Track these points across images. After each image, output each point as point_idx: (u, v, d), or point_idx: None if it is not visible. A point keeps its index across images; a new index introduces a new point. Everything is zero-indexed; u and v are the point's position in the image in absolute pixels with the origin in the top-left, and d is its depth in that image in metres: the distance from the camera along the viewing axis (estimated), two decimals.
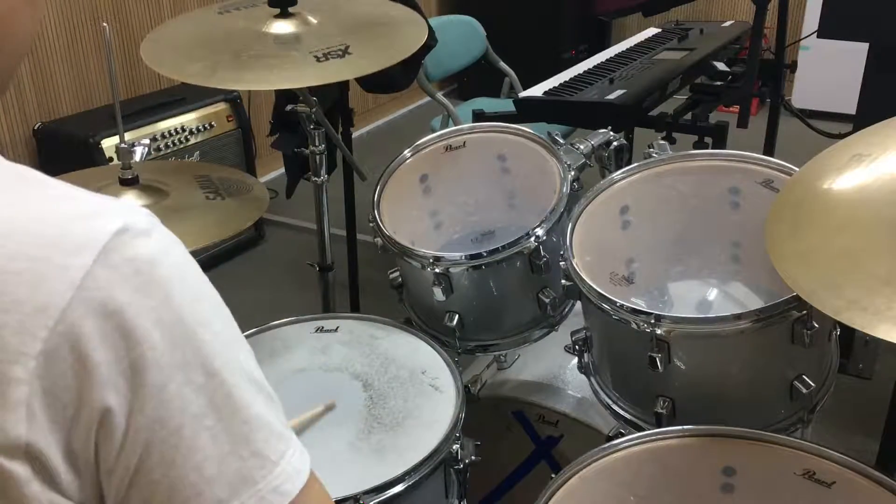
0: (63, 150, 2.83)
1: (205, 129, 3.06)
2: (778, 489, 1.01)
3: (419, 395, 1.27)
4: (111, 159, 2.68)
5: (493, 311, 1.42)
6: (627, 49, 2.62)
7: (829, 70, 4.13)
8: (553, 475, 1.02)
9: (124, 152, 1.39)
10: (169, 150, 2.93)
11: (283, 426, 0.56)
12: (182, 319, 0.52)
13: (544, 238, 1.33)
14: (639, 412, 1.22)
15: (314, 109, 1.64)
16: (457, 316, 1.39)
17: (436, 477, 1.17)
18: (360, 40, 1.42)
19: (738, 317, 1.07)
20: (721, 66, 2.46)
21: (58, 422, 0.49)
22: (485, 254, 1.33)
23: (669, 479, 1.05)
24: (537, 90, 2.21)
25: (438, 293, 1.35)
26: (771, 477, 1.02)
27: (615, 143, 1.57)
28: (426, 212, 1.60)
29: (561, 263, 1.24)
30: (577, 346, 1.29)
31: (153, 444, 0.51)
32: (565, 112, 2.16)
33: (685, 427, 1.06)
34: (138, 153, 1.40)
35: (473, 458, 1.24)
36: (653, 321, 1.09)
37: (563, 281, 1.24)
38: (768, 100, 2.70)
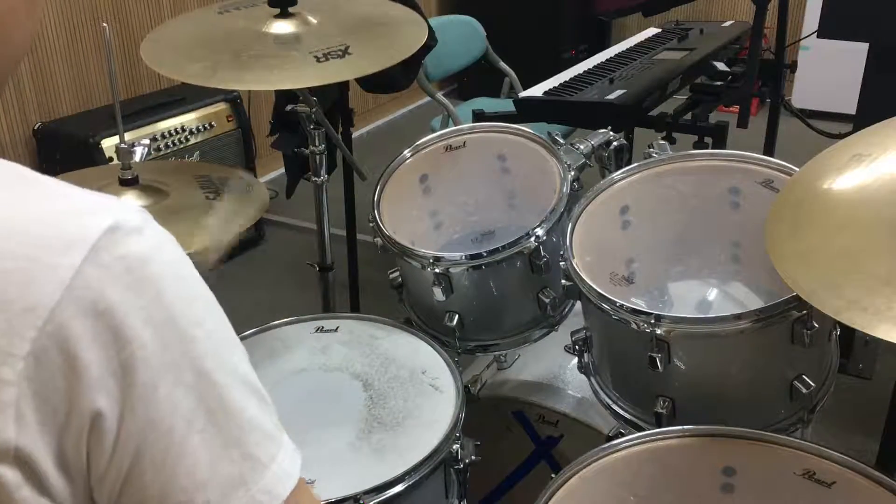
0: (63, 150, 2.83)
1: (205, 129, 3.06)
2: (778, 489, 1.01)
3: (419, 395, 1.27)
4: (111, 159, 2.68)
5: (493, 311, 1.42)
6: (627, 49, 2.62)
7: (829, 70, 4.13)
8: (553, 475, 1.02)
9: (124, 152, 1.39)
10: (169, 150, 2.93)
11: (275, 428, 0.56)
12: (173, 319, 0.51)
13: (544, 238, 1.33)
14: (639, 412, 1.22)
15: (314, 109, 1.64)
16: (457, 316, 1.39)
17: (436, 477, 1.17)
18: (360, 40, 1.42)
19: (738, 317, 1.07)
20: (721, 66, 2.46)
21: (48, 425, 0.48)
22: (485, 254, 1.33)
23: (669, 479, 1.05)
24: (537, 90, 2.21)
25: (438, 293, 1.35)
26: (771, 477, 1.02)
27: (615, 143, 1.57)
28: (426, 212, 1.60)
29: (561, 263, 1.24)
30: (577, 346, 1.29)
31: (144, 447, 0.50)
32: (565, 112, 2.16)
33: (685, 427, 1.06)
34: (138, 153, 1.40)
35: (473, 458, 1.24)
36: (653, 321, 1.09)
37: (563, 281, 1.24)
38: (768, 100, 2.70)
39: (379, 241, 1.42)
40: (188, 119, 3.01)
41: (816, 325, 1.06)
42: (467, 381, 1.51)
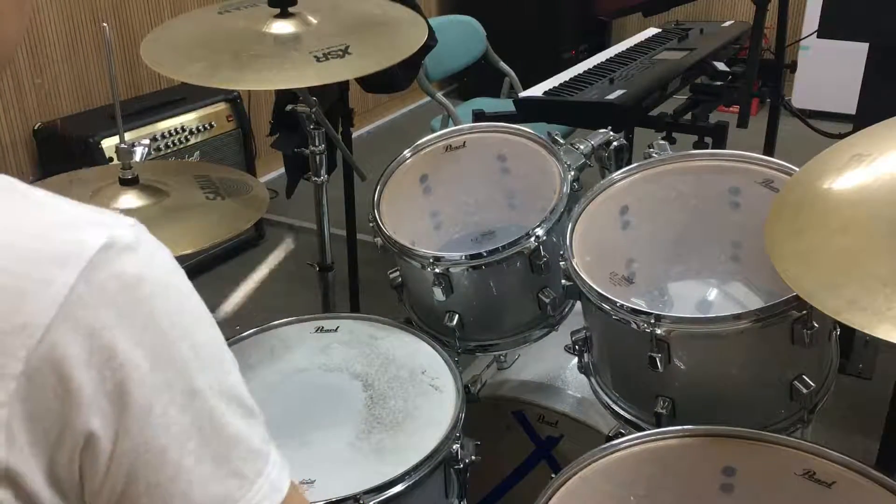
0: (63, 150, 2.83)
1: (205, 129, 3.06)
2: (778, 489, 1.01)
3: (419, 395, 1.27)
4: (111, 159, 2.68)
5: (493, 311, 1.42)
6: (627, 49, 2.62)
7: (829, 70, 4.12)
8: (553, 475, 1.02)
9: (124, 152, 1.39)
10: (169, 150, 2.93)
11: (262, 442, 0.56)
12: (166, 339, 0.50)
13: (544, 238, 1.33)
14: (639, 412, 1.22)
15: (314, 109, 1.64)
16: (457, 316, 1.39)
17: (436, 477, 1.17)
18: (360, 40, 1.42)
19: (737, 317, 1.07)
20: (721, 66, 2.46)
21: (40, 445, 0.47)
22: (485, 254, 1.33)
23: (669, 479, 1.05)
24: (537, 90, 2.21)
25: (438, 293, 1.35)
26: (771, 477, 1.02)
27: (615, 143, 1.57)
28: (426, 212, 1.60)
29: (561, 263, 1.24)
30: (577, 346, 1.29)
31: (139, 468, 0.50)
32: (565, 112, 2.16)
33: (685, 427, 1.06)
34: (138, 153, 1.40)
35: (473, 458, 1.24)
36: (653, 321, 1.09)
37: (563, 281, 1.24)
38: (768, 100, 2.70)
39: (379, 241, 1.42)
40: (188, 119, 3.01)
41: (816, 325, 1.06)
42: (467, 381, 1.51)
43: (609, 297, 1.15)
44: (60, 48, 2.97)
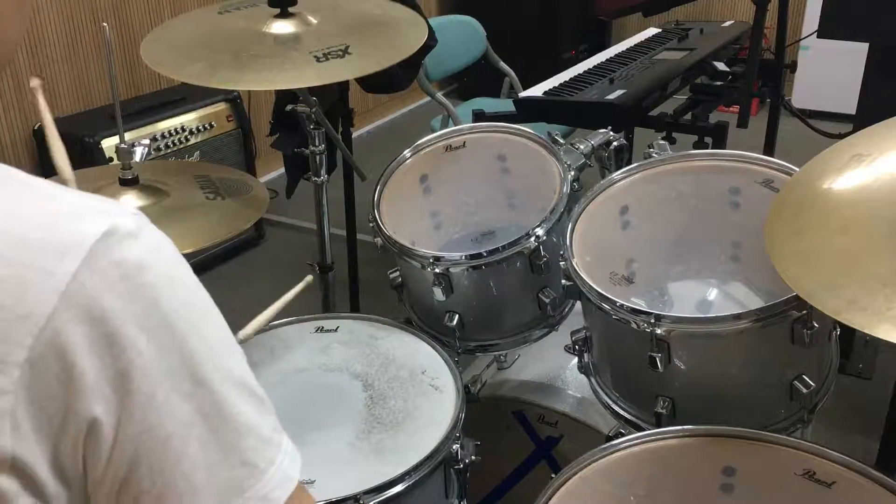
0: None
1: (205, 129, 3.06)
2: (778, 489, 1.01)
3: (419, 395, 1.27)
4: (111, 159, 2.68)
5: (494, 311, 1.42)
6: (627, 49, 2.62)
7: (829, 70, 4.13)
8: (553, 475, 1.02)
9: (124, 152, 1.39)
10: (169, 150, 2.93)
11: (273, 431, 0.55)
12: (170, 325, 0.50)
13: (544, 238, 1.33)
14: (639, 412, 1.22)
15: (314, 109, 1.64)
16: (457, 316, 1.39)
17: (436, 477, 1.17)
18: (360, 40, 1.42)
19: (737, 317, 1.07)
20: (721, 66, 2.46)
21: (44, 432, 0.47)
22: (485, 254, 1.33)
23: (669, 479, 1.05)
24: (537, 90, 2.21)
25: (438, 293, 1.35)
26: (771, 477, 1.02)
27: (615, 143, 1.57)
28: (426, 212, 1.60)
29: (561, 263, 1.24)
30: (577, 346, 1.29)
31: (142, 454, 0.50)
32: (565, 112, 2.16)
33: (685, 427, 1.06)
34: (138, 153, 1.40)
35: (473, 458, 1.24)
36: (653, 321, 1.09)
37: (563, 281, 1.24)
38: (768, 100, 2.70)
39: (379, 241, 1.42)
40: (188, 119, 3.01)
41: (816, 325, 1.06)
42: (467, 381, 1.51)
43: (609, 297, 1.15)
44: (60, 48, 2.97)
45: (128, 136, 2.14)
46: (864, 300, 0.85)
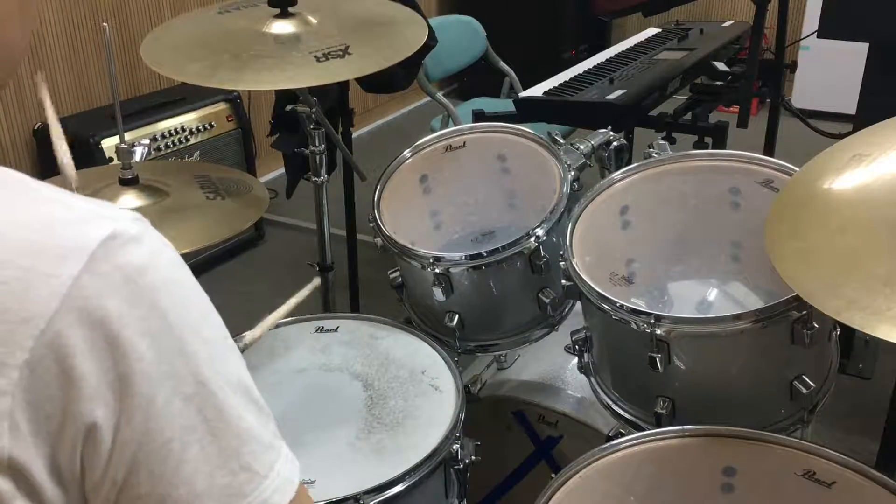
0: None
1: (205, 129, 3.06)
2: (778, 489, 1.01)
3: (419, 395, 1.27)
4: (111, 159, 2.68)
5: (494, 311, 1.42)
6: (627, 49, 2.62)
7: (829, 70, 4.13)
8: (553, 475, 1.02)
9: (124, 152, 1.39)
10: (169, 150, 2.93)
11: (273, 436, 0.55)
12: (171, 330, 0.50)
13: (544, 238, 1.33)
14: (639, 412, 1.22)
15: (314, 109, 1.64)
16: (457, 316, 1.39)
17: (436, 477, 1.17)
18: (360, 40, 1.42)
19: (737, 317, 1.07)
20: (721, 66, 2.46)
21: (42, 435, 0.47)
22: (485, 254, 1.33)
23: (669, 479, 1.05)
24: (537, 90, 2.21)
25: (438, 293, 1.35)
26: (771, 477, 1.02)
27: (615, 143, 1.57)
28: (426, 212, 1.60)
29: (561, 263, 1.24)
30: (577, 346, 1.29)
31: (141, 458, 0.49)
32: (565, 112, 2.16)
33: (685, 427, 1.06)
34: (138, 153, 1.40)
35: (473, 458, 1.24)
36: (653, 321, 1.09)
37: (563, 281, 1.24)
38: (768, 100, 2.70)
39: (379, 241, 1.42)
40: (188, 119, 3.01)
41: (816, 325, 1.06)
42: (467, 381, 1.51)
43: (609, 297, 1.15)
44: (60, 48, 2.97)
45: (128, 136, 2.14)
46: (864, 300, 0.85)
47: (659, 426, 1.14)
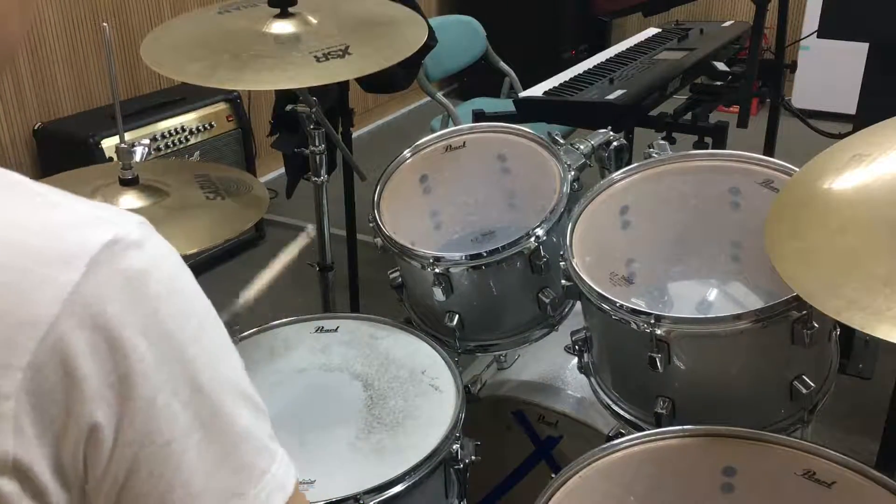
0: (63, 150, 2.83)
1: (205, 129, 3.06)
2: (778, 489, 1.01)
3: (419, 395, 1.27)
4: (111, 159, 2.68)
5: (493, 311, 1.42)
6: (627, 49, 2.62)
7: (829, 70, 4.13)
8: (553, 475, 1.02)
9: (124, 152, 1.39)
10: (169, 150, 2.93)
11: (269, 439, 0.56)
12: (171, 334, 0.51)
13: (544, 238, 1.33)
14: (639, 412, 1.22)
15: (314, 109, 1.64)
16: (457, 316, 1.39)
17: (436, 477, 1.17)
18: (360, 40, 1.42)
19: (737, 317, 1.07)
20: (721, 66, 2.46)
21: (46, 437, 0.48)
22: (485, 254, 1.33)
23: (669, 479, 1.05)
24: (537, 90, 2.21)
25: (438, 293, 1.35)
26: (771, 477, 1.02)
27: (615, 143, 1.57)
28: (426, 212, 1.60)
29: (561, 263, 1.24)
30: (577, 346, 1.29)
31: (141, 459, 0.50)
32: (565, 112, 2.16)
33: (685, 427, 1.06)
34: (138, 153, 1.40)
35: (473, 458, 1.24)
36: (653, 321, 1.09)
37: (563, 281, 1.24)
38: (768, 100, 2.69)
39: (379, 241, 1.42)
40: (188, 119, 3.01)
41: (816, 325, 1.06)
42: (467, 381, 1.51)
43: (609, 297, 1.15)
44: (60, 48, 2.97)
45: (128, 136, 2.14)
46: (864, 300, 0.85)
47: (659, 426, 1.14)
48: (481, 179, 1.59)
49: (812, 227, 1.01)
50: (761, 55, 2.31)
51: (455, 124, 2.51)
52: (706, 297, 1.38)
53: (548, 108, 2.15)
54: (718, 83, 2.43)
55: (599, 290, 1.16)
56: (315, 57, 1.36)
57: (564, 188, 1.38)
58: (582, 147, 1.52)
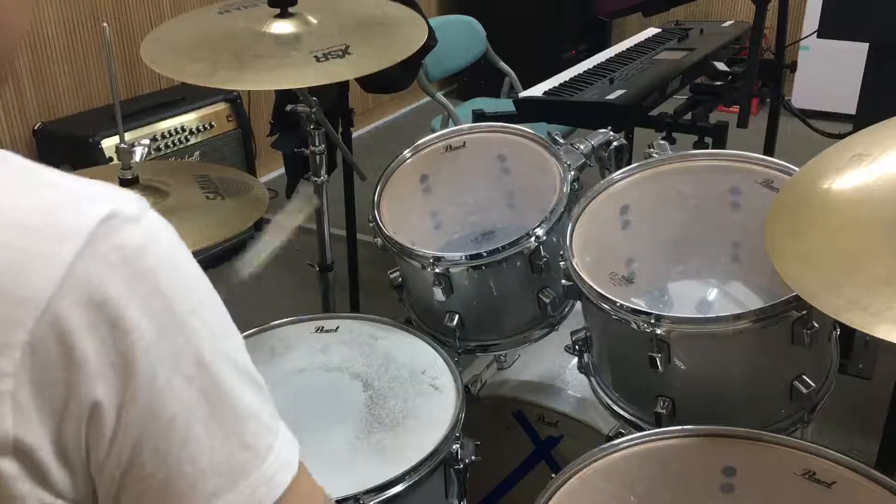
0: (63, 150, 2.83)
1: (205, 129, 3.06)
2: (778, 489, 1.01)
3: (419, 395, 1.27)
4: (111, 159, 2.68)
5: (494, 311, 1.42)
6: (627, 49, 2.62)
7: (829, 70, 4.13)
8: (553, 475, 1.02)
9: (124, 152, 1.39)
10: (169, 150, 2.93)
11: (272, 417, 0.56)
12: (171, 309, 0.50)
13: (544, 238, 1.33)
14: (639, 412, 1.22)
15: (314, 109, 1.64)
16: (457, 316, 1.38)
17: (436, 477, 1.17)
18: (360, 40, 1.42)
19: (737, 317, 1.07)
20: (721, 66, 2.46)
21: (46, 415, 0.47)
22: (485, 254, 1.33)
23: (669, 479, 1.05)
24: (537, 90, 2.21)
25: (438, 293, 1.35)
26: (771, 477, 1.02)
27: (615, 143, 1.57)
28: (426, 212, 1.60)
29: (561, 263, 1.24)
30: (577, 346, 1.29)
31: (145, 437, 0.50)
32: (565, 112, 2.16)
33: (685, 427, 1.06)
34: (138, 153, 1.40)
35: (473, 458, 1.24)
36: (653, 321, 1.09)
37: (563, 281, 1.24)
38: (768, 100, 2.69)
39: (379, 241, 1.42)
40: (188, 119, 3.01)
41: (816, 325, 1.06)
42: (467, 381, 1.51)
43: (609, 297, 1.15)
44: (60, 48, 2.97)
45: (128, 136, 2.14)
46: (864, 300, 0.85)
47: (659, 426, 1.14)
48: (481, 179, 1.59)
49: (812, 227, 1.01)
50: (761, 55, 2.31)
51: (455, 124, 2.51)
52: (706, 297, 1.38)
53: (548, 108, 2.15)
54: (718, 83, 2.43)
55: (599, 290, 1.16)
56: (315, 57, 1.36)
57: (564, 188, 1.38)
58: (582, 147, 1.52)
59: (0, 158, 0.51)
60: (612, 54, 2.55)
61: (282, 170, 3.13)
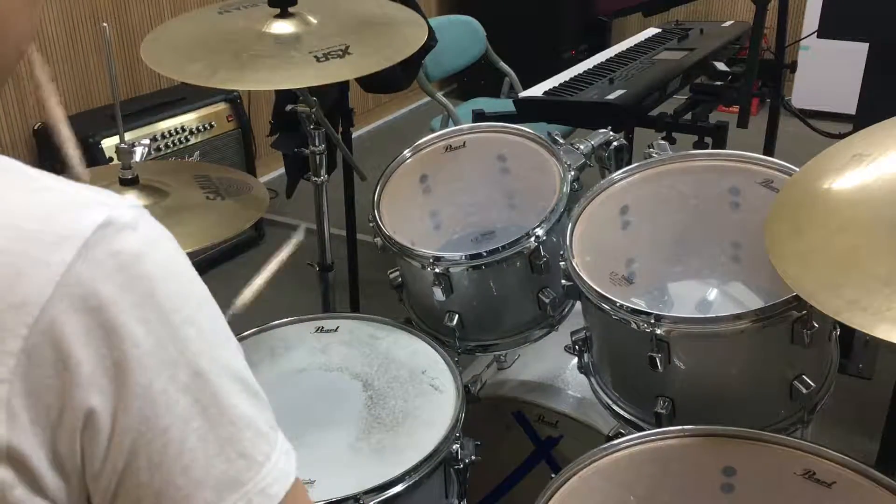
0: (63, 151, 2.82)
1: (205, 129, 3.06)
2: (778, 489, 1.01)
3: (419, 395, 1.27)
4: (111, 159, 2.68)
5: (493, 311, 1.42)
6: (627, 49, 2.62)
7: (829, 70, 4.12)
8: (553, 475, 1.02)
9: (124, 152, 1.39)
10: (169, 150, 2.93)
11: (269, 427, 0.55)
12: (167, 317, 0.50)
13: (544, 238, 1.33)
14: (639, 412, 1.22)
15: (314, 109, 1.64)
16: (457, 316, 1.38)
17: (436, 477, 1.17)
18: (360, 40, 1.42)
19: (737, 317, 1.07)
20: (721, 66, 2.46)
21: (41, 423, 0.47)
22: (485, 254, 1.33)
23: (669, 479, 1.05)
24: (537, 90, 2.21)
25: (438, 293, 1.35)
26: (771, 477, 1.02)
27: (615, 143, 1.57)
28: (426, 212, 1.60)
29: (561, 263, 1.24)
30: (577, 346, 1.29)
31: (140, 446, 0.49)
32: (565, 112, 2.16)
33: (685, 427, 1.06)
34: (138, 153, 1.40)
35: (473, 458, 1.24)
36: (653, 321, 1.09)
37: (563, 281, 1.24)
38: (768, 100, 2.69)
39: (379, 241, 1.42)
40: (188, 119, 3.01)
41: (816, 325, 1.06)
42: (467, 381, 1.51)
43: (609, 297, 1.15)
44: (60, 48, 2.97)
45: (128, 136, 2.14)
46: (864, 300, 0.85)
47: (659, 426, 1.14)
48: (481, 179, 1.59)
49: (812, 227, 1.01)
50: (761, 55, 2.31)
51: (455, 124, 2.51)
52: (706, 297, 1.38)
53: (548, 108, 2.15)
54: (718, 83, 2.43)
55: (599, 290, 1.16)
56: (315, 57, 1.36)
57: (564, 188, 1.38)
58: (582, 147, 1.52)
59: None
60: (612, 54, 2.55)
61: (282, 170, 3.13)
